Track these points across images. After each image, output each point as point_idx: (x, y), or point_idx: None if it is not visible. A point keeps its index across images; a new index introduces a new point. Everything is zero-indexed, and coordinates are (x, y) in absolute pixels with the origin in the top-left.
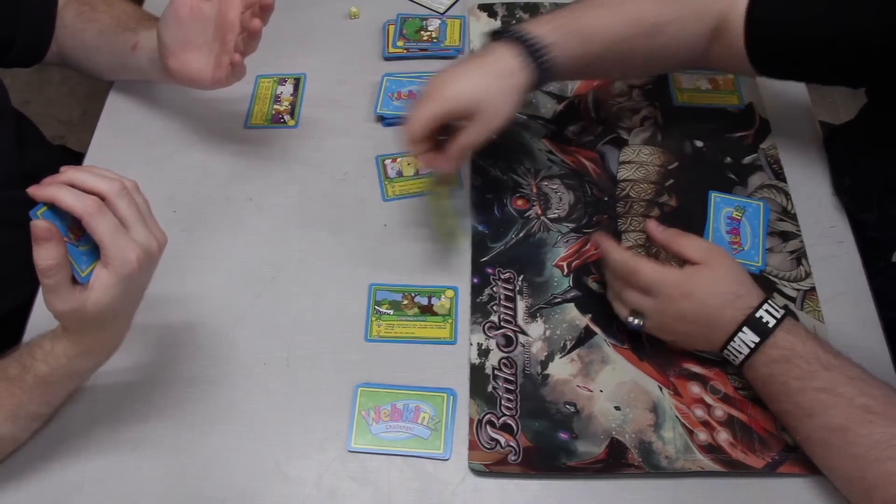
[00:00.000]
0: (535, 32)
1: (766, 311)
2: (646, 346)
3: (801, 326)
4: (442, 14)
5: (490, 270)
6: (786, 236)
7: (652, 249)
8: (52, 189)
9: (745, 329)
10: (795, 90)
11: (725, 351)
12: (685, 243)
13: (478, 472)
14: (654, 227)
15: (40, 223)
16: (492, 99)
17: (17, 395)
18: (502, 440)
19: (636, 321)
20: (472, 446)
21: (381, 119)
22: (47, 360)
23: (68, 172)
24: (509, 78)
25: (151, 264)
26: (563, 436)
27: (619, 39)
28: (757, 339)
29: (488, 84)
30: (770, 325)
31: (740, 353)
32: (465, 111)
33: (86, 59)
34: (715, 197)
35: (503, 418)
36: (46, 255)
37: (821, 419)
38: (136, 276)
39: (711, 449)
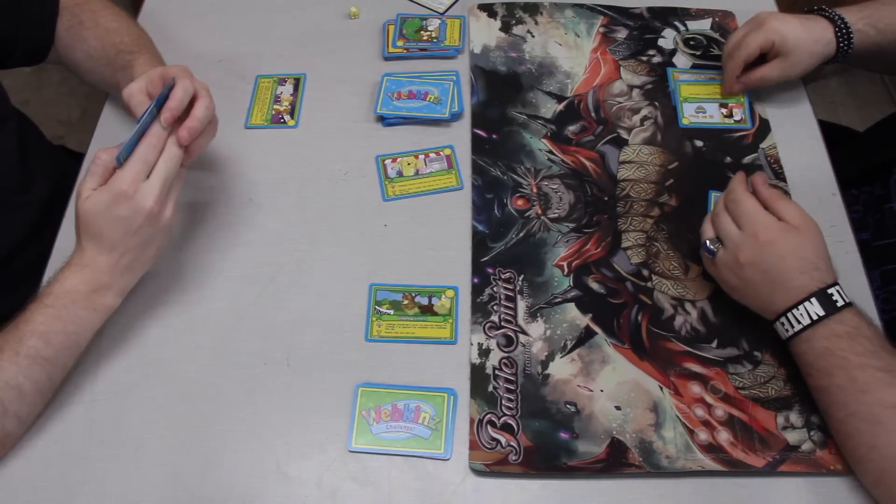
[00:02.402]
0: (848, 18)
1: (837, 291)
2: (646, 345)
3: (865, 314)
4: (442, 14)
5: (490, 270)
6: None
7: (652, 249)
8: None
9: (812, 300)
10: (795, 90)
11: (782, 318)
12: (784, 206)
13: (478, 472)
14: (761, 181)
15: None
16: (802, 52)
17: (20, 328)
18: (503, 440)
19: (713, 246)
20: (473, 446)
21: (381, 119)
22: (50, 283)
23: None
24: (821, 45)
25: (139, 216)
26: (563, 435)
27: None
28: (822, 313)
29: (807, 39)
30: (838, 304)
31: (799, 322)
32: (781, 49)
33: (79, 74)
34: (715, 196)
35: (504, 418)
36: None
37: (876, 395)
38: (123, 209)
39: (712, 448)
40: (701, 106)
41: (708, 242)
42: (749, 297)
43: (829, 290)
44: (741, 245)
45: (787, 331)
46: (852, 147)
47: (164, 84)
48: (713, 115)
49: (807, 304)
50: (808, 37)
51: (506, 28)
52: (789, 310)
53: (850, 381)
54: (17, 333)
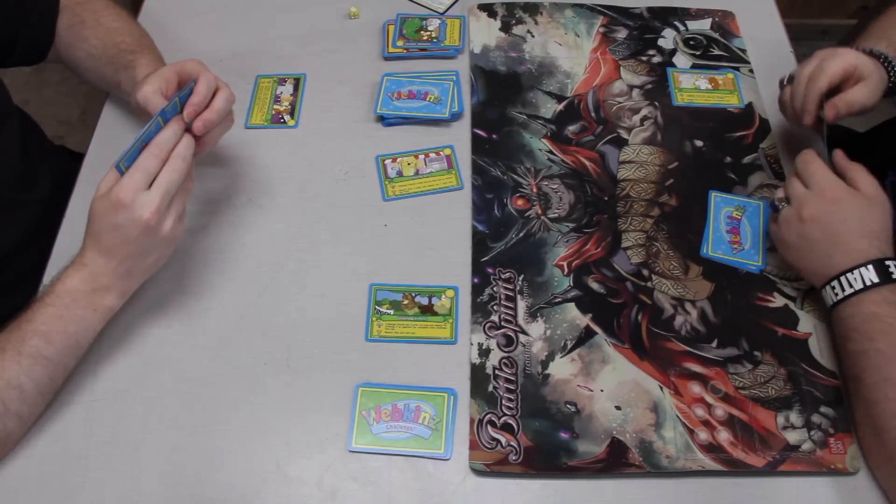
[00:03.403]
0: (885, 52)
1: (895, 265)
2: (646, 345)
3: None
4: (442, 14)
5: (490, 270)
6: None
7: (652, 249)
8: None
9: (869, 266)
10: None
11: (833, 282)
12: (859, 175)
13: (478, 472)
14: (841, 153)
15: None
16: (877, 78)
17: (22, 327)
18: (503, 440)
19: (780, 203)
20: (473, 446)
21: (381, 119)
22: (52, 282)
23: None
24: (884, 78)
25: (136, 224)
26: (563, 435)
27: None
28: (876, 280)
29: (875, 68)
30: (893, 276)
31: (851, 286)
32: (861, 74)
33: (79, 73)
34: (715, 196)
35: (504, 418)
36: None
37: None
38: (121, 216)
39: (712, 448)
40: None
41: (776, 200)
42: (805, 255)
43: (887, 262)
44: (807, 201)
45: (836, 294)
46: (849, 150)
47: (179, 83)
48: None
49: (863, 269)
50: (875, 66)
51: (506, 28)
52: (844, 273)
53: (890, 346)
54: (19, 333)
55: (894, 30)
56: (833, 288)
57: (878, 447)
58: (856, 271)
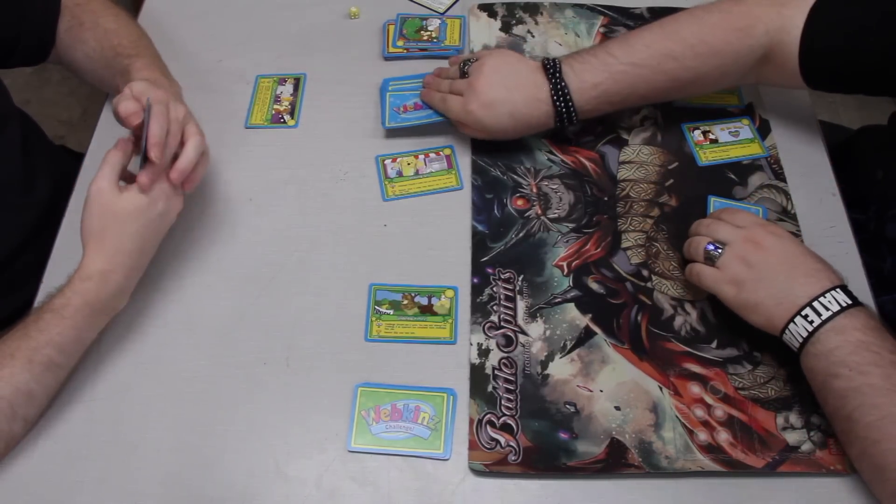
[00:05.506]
0: (577, 100)
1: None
2: (646, 346)
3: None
4: (442, 14)
5: (490, 270)
6: None
7: (652, 249)
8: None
9: (838, 290)
10: (795, 90)
11: (807, 309)
12: (743, 213)
13: (478, 472)
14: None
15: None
16: (511, 132)
17: (32, 335)
18: (502, 440)
19: (716, 249)
20: (472, 446)
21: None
22: (62, 291)
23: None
24: (536, 127)
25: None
26: (563, 436)
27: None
28: (850, 301)
29: (516, 126)
30: (859, 299)
31: (828, 310)
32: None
33: (79, 75)
34: (714, 201)
35: (503, 418)
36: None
37: None
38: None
39: (711, 449)
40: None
41: (712, 247)
42: (763, 285)
43: (847, 288)
44: (751, 230)
45: (811, 323)
46: (843, 149)
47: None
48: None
49: (833, 293)
50: (520, 124)
51: (506, 28)
52: (817, 297)
53: (885, 378)
54: (30, 342)
55: (621, 82)
56: (807, 317)
57: (880, 486)
58: (827, 295)
